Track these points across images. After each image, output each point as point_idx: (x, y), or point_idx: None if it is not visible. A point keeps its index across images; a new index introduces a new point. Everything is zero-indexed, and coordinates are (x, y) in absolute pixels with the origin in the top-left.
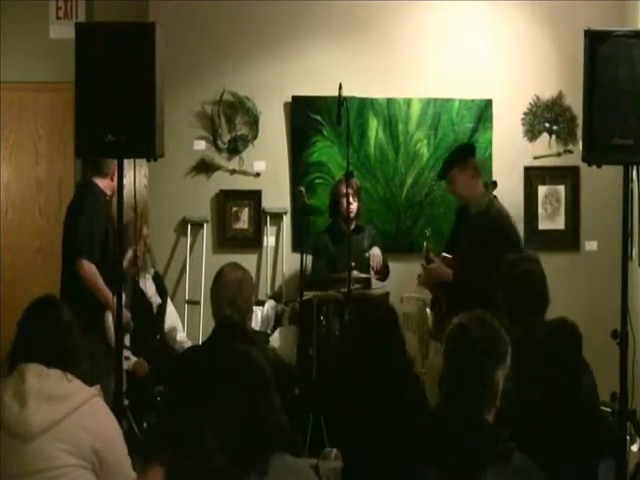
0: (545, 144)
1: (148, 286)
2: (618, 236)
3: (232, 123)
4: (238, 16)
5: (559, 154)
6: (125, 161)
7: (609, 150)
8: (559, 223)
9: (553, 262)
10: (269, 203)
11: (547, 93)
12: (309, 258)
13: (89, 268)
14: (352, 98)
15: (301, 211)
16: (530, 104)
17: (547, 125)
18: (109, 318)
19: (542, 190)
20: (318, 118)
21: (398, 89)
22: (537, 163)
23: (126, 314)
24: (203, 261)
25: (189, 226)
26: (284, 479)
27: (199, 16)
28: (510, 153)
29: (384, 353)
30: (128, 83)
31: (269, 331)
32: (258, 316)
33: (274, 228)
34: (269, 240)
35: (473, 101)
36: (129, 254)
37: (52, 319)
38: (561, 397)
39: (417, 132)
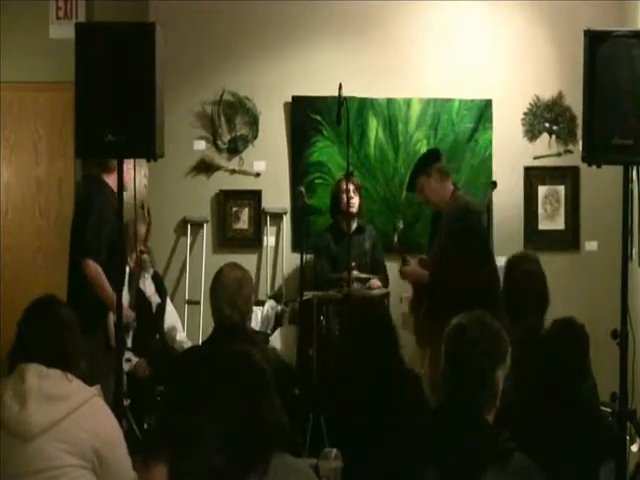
0: (545, 144)
1: (147, 286)
2: (618, 236)
3: (232, 123)
4: (238, 16)
5: (559, 154)
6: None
7: (609, 150)
8: (559, 223)
9: (553, 262)
10: (269, 203)
11: (547, 93)
12: (311, 257)
13: (94, 268)
14: (352, 98)
15: (301, 211)
16: (530, 104)
17: (547, 125)
18: (113, 319)
19: (542, 190)
20: (318, 118)
21: (398, 89)
22: (537, 163)
23: (130, 314)
24: (203, 261)
25: (189, 226)
26: (284, 479)
27: (199, 16)
28: (510, 153)
29: (384, 353)
30: (128, 83)
31: (269, 331)
32: (258, 316)
33: (274, 228)
34: (269, 240)
35: (473, 101)
36: (134, 254)
37: (52, 319)
38: (561, 397)
39: (417, 132)
